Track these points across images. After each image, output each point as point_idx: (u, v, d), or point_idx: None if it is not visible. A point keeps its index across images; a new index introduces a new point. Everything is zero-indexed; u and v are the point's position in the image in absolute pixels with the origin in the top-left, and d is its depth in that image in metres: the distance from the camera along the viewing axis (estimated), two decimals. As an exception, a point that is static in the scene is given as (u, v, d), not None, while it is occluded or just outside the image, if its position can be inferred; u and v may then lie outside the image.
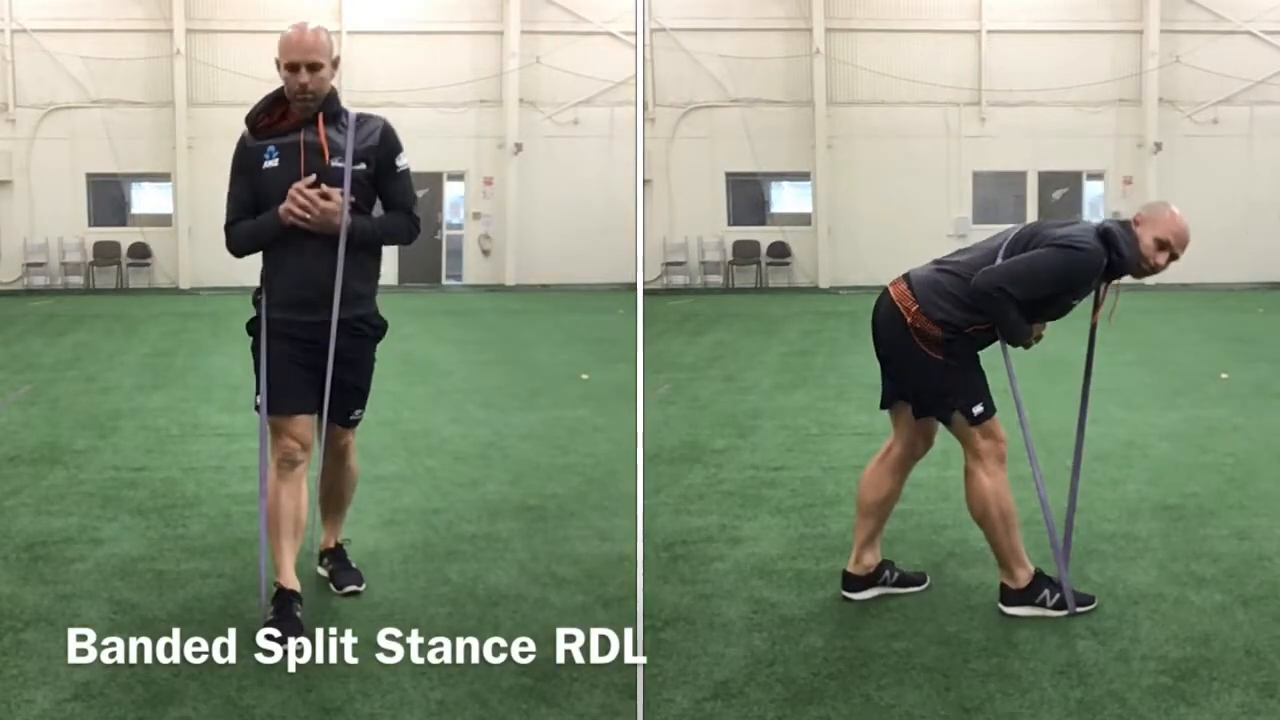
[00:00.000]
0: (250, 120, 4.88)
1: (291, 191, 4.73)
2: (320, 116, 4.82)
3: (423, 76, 24.70)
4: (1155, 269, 4.87)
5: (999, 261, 4.76)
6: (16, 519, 6.33)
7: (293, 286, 4.80)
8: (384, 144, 4.91)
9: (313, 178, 4.75)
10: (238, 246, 4.93)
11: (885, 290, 4.93)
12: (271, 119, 4.85)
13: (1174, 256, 4.89)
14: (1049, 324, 4.95)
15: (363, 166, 4.84)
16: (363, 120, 4.91)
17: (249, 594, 5.02)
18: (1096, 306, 5.02)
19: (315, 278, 4.78)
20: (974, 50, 25.11)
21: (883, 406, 5.10)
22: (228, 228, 4.94)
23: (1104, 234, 4.79)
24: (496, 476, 7.38)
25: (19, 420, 9.31)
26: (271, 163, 4.81)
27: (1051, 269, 4.71)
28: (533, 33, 25.32)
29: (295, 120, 4.82)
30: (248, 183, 4.86)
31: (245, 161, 4.87)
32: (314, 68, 4.75)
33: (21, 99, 24.86)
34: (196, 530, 6.11)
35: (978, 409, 4.78)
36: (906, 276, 4.91)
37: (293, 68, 4.75)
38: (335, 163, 4.79)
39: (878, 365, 5.09)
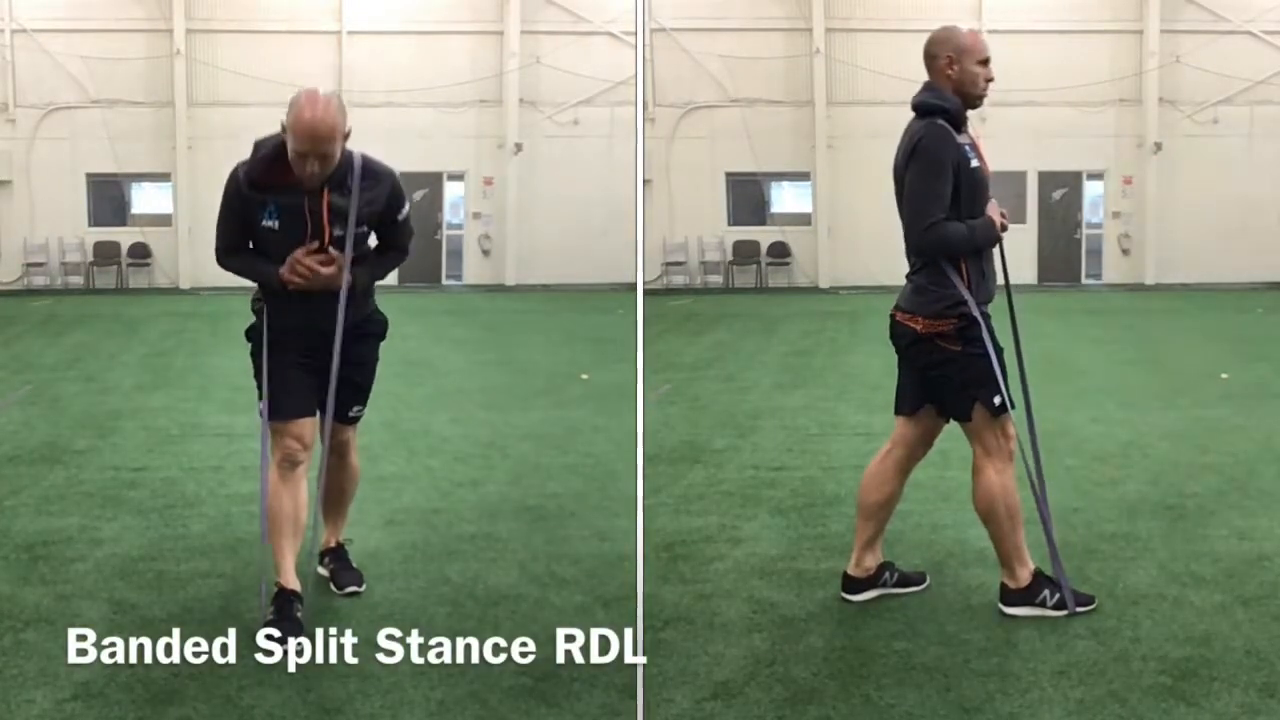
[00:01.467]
0: (250, 175, 4.66)
1: (292, 261, 4.68)
2: (325, 184, 4.66)
3: (423, 76, 24.71)
4: (986, 89, 4.89)
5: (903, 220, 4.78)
6: (16, 519, 6.33)
7: (293, 324, 4.80)
8: (389, 206, 4.84)
9: (315, 244, 4.70)
10: (231, 271, 4.90)
11: (892, 316, 4.94)
12: (272, 175, 4.63)
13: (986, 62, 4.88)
14: (998, 207, 4.91)
15: (365, 228, 4.80)
16: (369, 177, 4.72)
17: (249, 594, 5.02)
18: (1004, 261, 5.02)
19: (315, 322, 4.78)
20: (974, 50, 25.09)
21: (900, 412, 5.04)
22: (219, 253, 4.86)
23: (920, 109, 4.80)
24: (496, 476, 7.38)
25: (19, 420, 9.31)
26: (270, 223, 4.68)
27: (925, 171, 4.70)
28: (533, 33, 25.33)
29: (298, 183, 4.64)
30: (241, 227, 4.77)
31: (241, 209, 4.72)
32: (324, 156, 4.55)
33: (21, 99, 24.87)
34: (196, 530, 6.11)
35: (997, 400, 4.77)
36: (898, 304, 4.93)
37: (301, 155, 4.53)
38: (338, 230, 4.71)
39: (878, 365, 5.09)
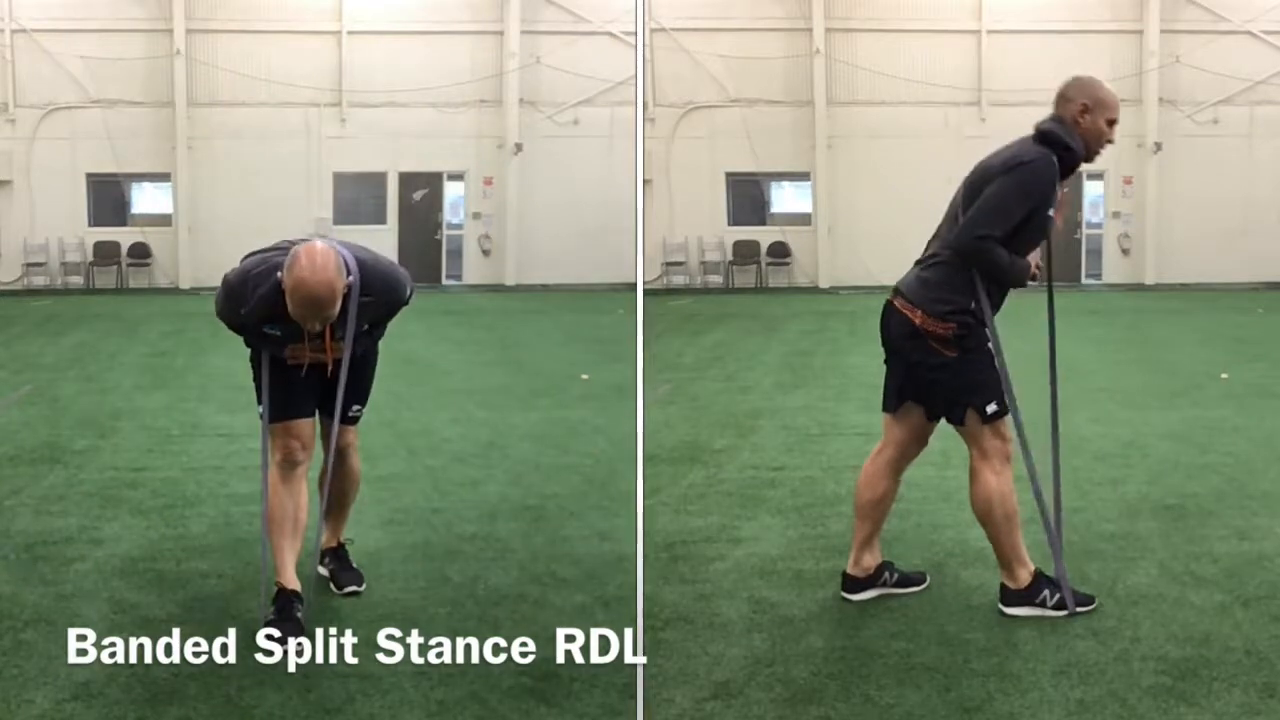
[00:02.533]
0: (249, 315, 4.67)
1: (292, 352, 4.73)
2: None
3: (423, 76, 24.69)
4: (1103, 150, 4.88)
5: (963, 218, 4.75)
6: (16, 519, 6.33)
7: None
8: (388, 309, 4.90)
9: (316, 344, 4.72)
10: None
11: (888, 303, 4.92)
12: (270, 307, 4.60)
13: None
14: (1039, 260, 4.91)
15: (365, 327, 4.84)
16: (368, 288, 4.69)
17: (249, 594, 5.02)
18: (1051, 287, 5.05)
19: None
20: (974, 50, 25.10)
21: (887, 409, 5.05)
22: (221, 317, 4.87)
23: (1043, 137, 4.77)
24: (496, 476, 7.37)
25: (19, 420, 9.31)
26: (274, 332, 4.71)
27: (1014, 193, 4.68)
28: (533, 33, 25.31)
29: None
30: (241, 322, 4.77)
31: (240, 317, 4.73)
32: (324, 316, 4.53)
33: (21, 99, 24.85)
34: (196, 530, 6.11)
35: (992, 407, 4.77)
36: (898, 290, 4.90)
37: (302, 315, 4.50)
38: (339, 334, 4.72)
39: (878, 365, 5.08)
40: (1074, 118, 4.81)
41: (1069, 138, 4.76)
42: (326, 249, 4.51)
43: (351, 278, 4.60)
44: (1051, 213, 4.80)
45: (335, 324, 4.67)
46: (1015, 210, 4.68)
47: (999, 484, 4.81)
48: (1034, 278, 4.88)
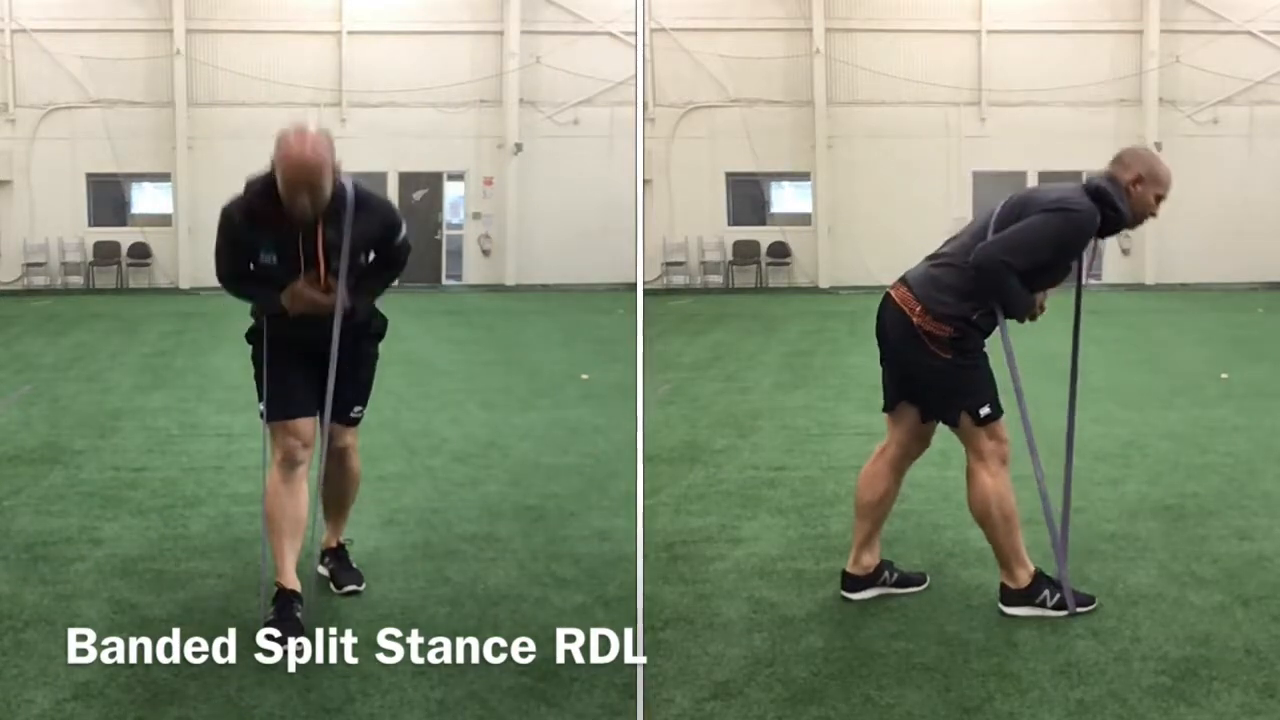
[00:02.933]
0: (243, 210, 4.67)
1: (292, 292, 4.71)
2: (320, 218, 4.65)
3: (423, 76, 24.68)
4: (1143, 222, 4.88)
5: (991, 236, 4.75)
6: (16, 519, 6.33)
7: (294, 336, 4.82)
8: (384, 235, 4.85)
9: (312, 275, 4.71)
10: (234, 296, 4.91)
11: (887, 295, 4.91)
12: (265, 208, 4.61)
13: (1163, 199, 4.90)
14: (1049, 298, 4.93)
15: (361, 257, 4.81)
16: (362, 206, 4.70)
17: (249, 594, 5.02)
18: (1080, 291, 5.03)
19: (314, 337, 4.80)
20: (974, 50, 25.10)
21: (886, 409, 5.07)
22: (221, 279, 4.86)
23: (1095, 192, 4.77)
24: (496, 476, 7.37)
25: (19, 420, 9.31)
26: (268, 258, 4.70)
27: (1049, 234, 4.69)
28: (533, 33, 25.31)
29: (291, 220, 4.63)
30: (240, 255, 4.77)
31: (238, 240, 4.72)
32: (314, 190, 4.53)
33: (21, 99, 24.85)
34: (196, 530, 6.11)
35: (985, 410, 4.77)
36: (904, 279, 4.89)
37: (291, 188, 4.50)
38: (334, 263, 4.71)
39: (878, 365, 5.08)
40: (1127, 185, 4.82)
41: (1120, 200, 4.77)
42: (318, 130, 4.57)
43: (344, 181, 4.63)
44: (1074, 262, 4.83)
45: (330, 249, 4.64)
46: (1044, 250, 4.70)
47: (996, 485, 4.81)
48: (1034, 318, 4.89)
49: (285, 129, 4.54)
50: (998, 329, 4.83)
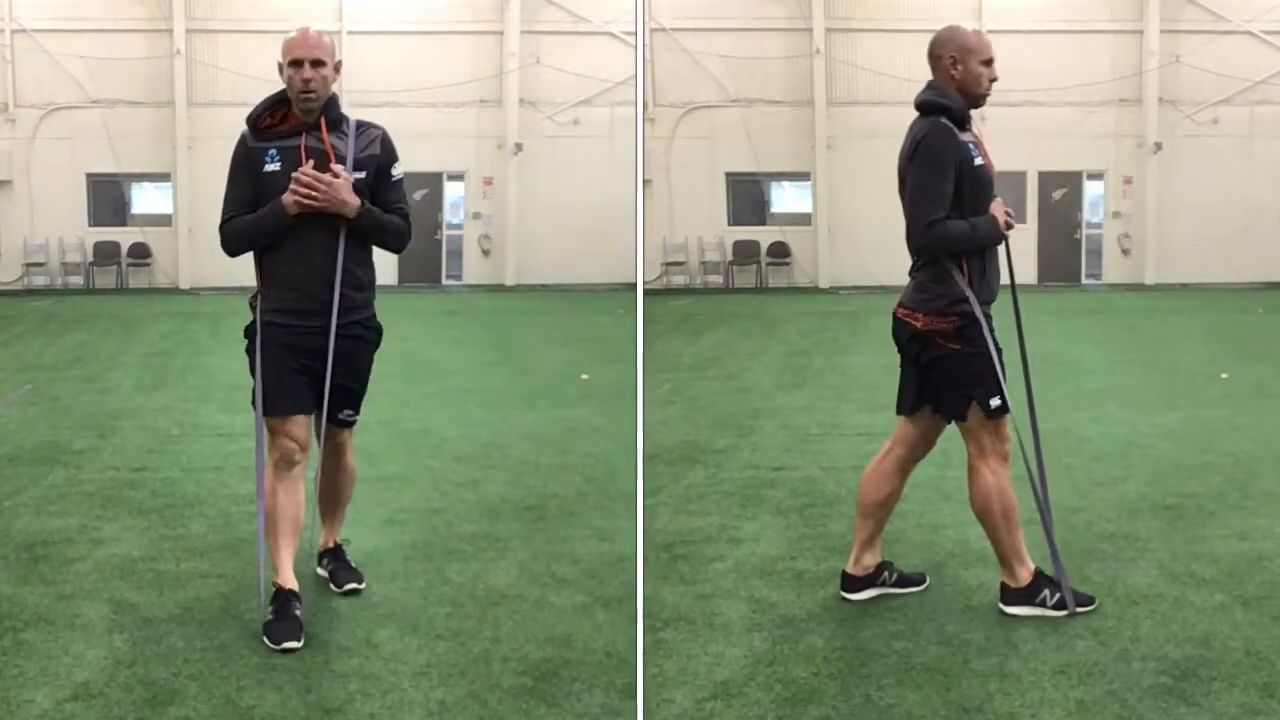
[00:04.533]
0: (251, 120, 4.90)
1: (296, 175, 4.71)
2: (322, 121, 4.85)
3: (423, 76, 24.70)
4: (990, 88, 4.89)
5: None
6: (16, 519, 6.33)
7: (290, 292, 4.79)
8: (384, 152, 4.94)
9: (312, 162, 4.77)
10: (234, 243, 4.89)
11: (894, 313, 4.94)
12: (273, 120, 4.87)
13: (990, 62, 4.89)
14: (1002, 203, 4.90)
15: (362, 174, 4.85)
16: (363, 128, 4.94)
17: (249, 594, 5.02)
18: (1013, 282, 5.02)
19: (312, 282, 4.77)
20: (974, 50, 25.09)
21: (901, 412, 5.04)
22: (223, 225, 4.89)
23: (923, 107, 4.80)
24: (496, 476, 7.37)
25: (19, 420, 9.32)
26: (273, 166, 4.80)
27: (927, 170, 4.70)
28: (533, 33, 25.33)
29: (297, 123, 4.84)
30: (248, 182, 4.84)
31: (246, 161, 4.85)
32: (317, 64, 4.78)
33: (21, 99, 24.87)
34: (196, 530, 6.11)
35: (995, 402, 4.77)
36: (900, 301, 4.93)
37: (296, 64, 4.78)
38: (337, 167, 4.78)
39: (878, 365, 5.09)
40: (947, 71, 4.85)
41: (945, 98, 4.80)
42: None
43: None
44: (978, 161, 4.79)
45: (332, 146, 4.79)
46: (939, 184, 4.69)
47: (997, 482, 4.81)
48: (1010, 225, 4.87)
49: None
50: (983, 329, 4.81)
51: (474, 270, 25.98)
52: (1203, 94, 25.40)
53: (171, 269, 24.94)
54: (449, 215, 26.17)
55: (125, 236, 25.33)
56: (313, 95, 4.79)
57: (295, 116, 4.84)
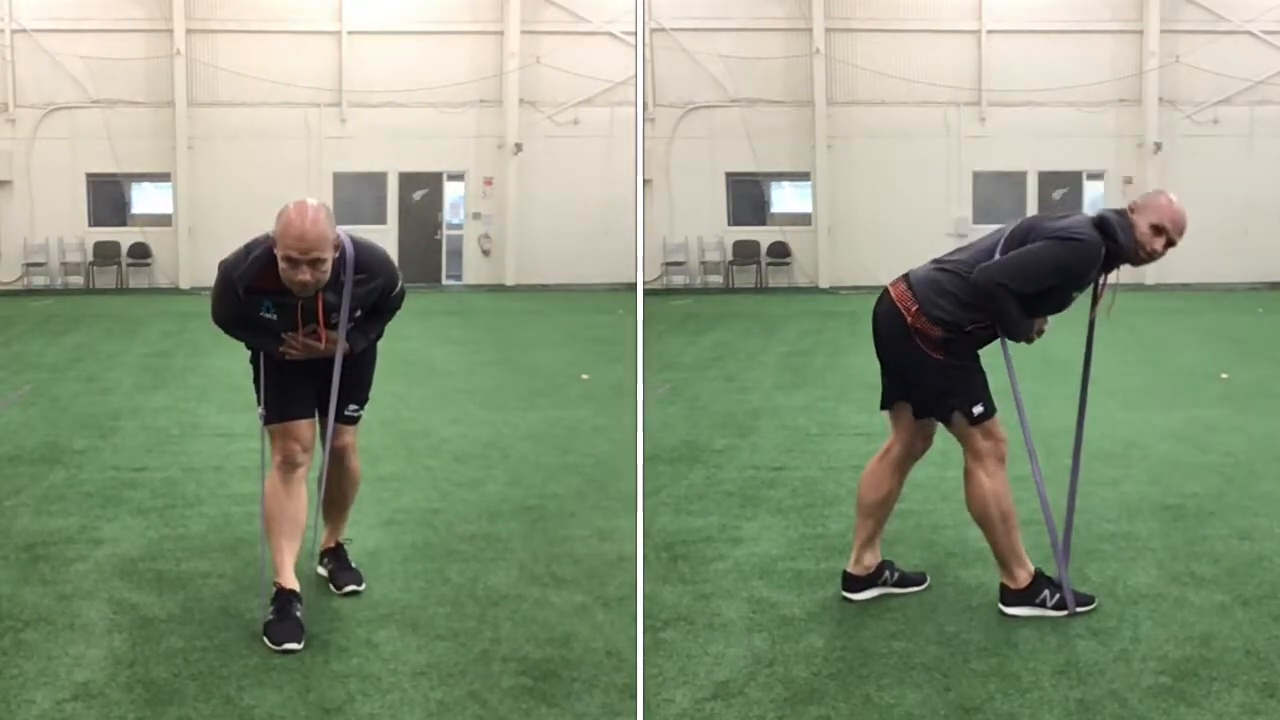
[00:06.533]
0: (241, 280, 4.62)
1: (290, 343, 4.73)
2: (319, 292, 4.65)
3: (423, 76, 24.68)
4: (1152, 256, 4.87)
5: (997, 257, 4.76)
6: (16, 519, 6.33)
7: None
8: (384, 291, 4.86)
9: (311, 328, 4.72)
10: (229, 334, 4.91)
11: (885, 290, 4.92)
12: (263, 282, 4.60)
13: (1171, 243, 4.87)
14: (1050, 318, 4.94)
15: (359, 313, 4.82)
16: (362, 268, 4.69)
17: (249, 594, 5.02)
18: (1095, 300, 5.03)
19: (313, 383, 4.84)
20: (974, 50, 25.10)
21: (883, 407, 5.09)
22: (218, 323, 4.87)
23: (1100, 223, 4.80)
24: (496, 476, 7.37)
25: (19, 420, 9.31)
26: (269, 315, 4.70)
27: (1051, 261, 4.70)
28: (533, 33, 25.31)
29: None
30: (240, 313, 4.75)
31: (238, 301, 4.68)
32: (316, 263, 4.48)
33: (21, 99, 24.84)
34: (196, 530, 6.11)
35: (977, 409, 4.77)
36: (906, 277, 4.90)
37: (292, 262, 4.45)
38: (333, 320, 4.72)
39: (878, 365, 5.09)
40: (1137, 225, 4.84)
41: (1122, 233, 4.78)
42: (316, 203, 4.54)
43: (344, 242, 4.61)
44: (1075, 294, 4.83)
45: (329, 310, 4.67)
46: (1046, 278, 4.71)
47: (993, 485, 4.81)
48: (1031, 341, 4.90)
49: (287, 203, 4.51)
50: (969, 347, 4.83)
51: (474, 270, 25.97)
52: (1203, 94, 25.39)
53: (171, 269, 24.93)
54: (449, 215, 26.15)
55: (125, 236, 25.31)
56: (310, 288, 4.55)
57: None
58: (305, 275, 4.45)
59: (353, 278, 4.64)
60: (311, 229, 4.42)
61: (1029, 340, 4.89)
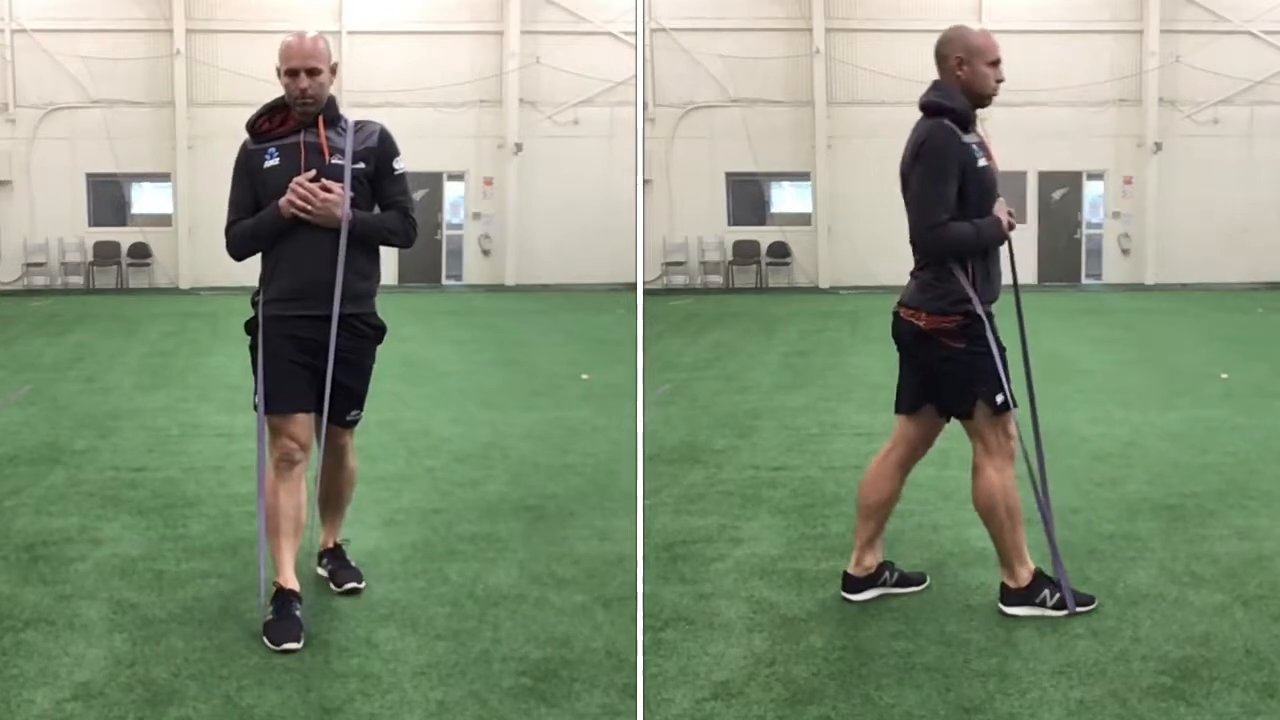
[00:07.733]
0: (251, 125, 4.99)
1: (292, 184, 4.79)
2: (320, 120, 4.93)
3: (423, 76, 24.70)
4: (997, 89, 4.89)
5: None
6: (16, 519, 6.33)
7: (292, 281, 4.83)
8: (382, 145, 5.00)
9: (313, 172, 4.83)
10: (238, 248, 4.97)
11: (895, 312, 4.93)
12: (272, 124, 4.96)
13: (997, 61, 4.90)
14: (1004, 204, 4.89)
15: (361, 165, 4.91)
16: (361, 124, 5.03)
17: (249, 594, 5.02)
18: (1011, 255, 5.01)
19: (315, 271, 4.80)
20: (974, 50, 25.09)
21: (900, 411, 5.04)
22: (228, 230, 4.99)
23: (928, 108, 4.79)
24: (496, 476, 7.37)
25: (19, 420, 9.31)
26: (272, 162, 4.89)
27: (931, 173, 4.69)
28: (533, 33, 25.32)
29: (295, 124, 4.93)
30: (249, 185, 4.93)
31: (247, 164, 4.95)
32: (313, 73, 4.87)
33: (21, 99, 24.86)
34: (196, 530, 6.11)
35: (1000, 398, 4.76)
36: (901, 300, 4.92)
37: (292, 73, 4.87)
38: (335, 160, 4.86)
39: (878, 365, 5.09)
40: (952, 72, 4.84)
41: (949, 99, 4.79)
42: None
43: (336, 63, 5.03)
44: (982, 163, 4.78)
45: (332, 150, 4.86)
46: (942, 187, 4.69)
47: (1002, 481, 4.80)
48: (1012, 226, 4.86)
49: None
50: (987, 327, 4.80)
51: (474, 270, 25.98)
52: (1203, 94, 25.40)
53: (172, 269, 24.94)
54: (449, 215, 26.17)
55: (125, 236, 25.33)
56: (310, 102, 4.89)
57: (293, 118, 4.93)
58: (304, 82, 4.84)
59: (352, 128, 4.97)
60: (309, 44, 4.93)
61: (1007, 235, 4.82)
